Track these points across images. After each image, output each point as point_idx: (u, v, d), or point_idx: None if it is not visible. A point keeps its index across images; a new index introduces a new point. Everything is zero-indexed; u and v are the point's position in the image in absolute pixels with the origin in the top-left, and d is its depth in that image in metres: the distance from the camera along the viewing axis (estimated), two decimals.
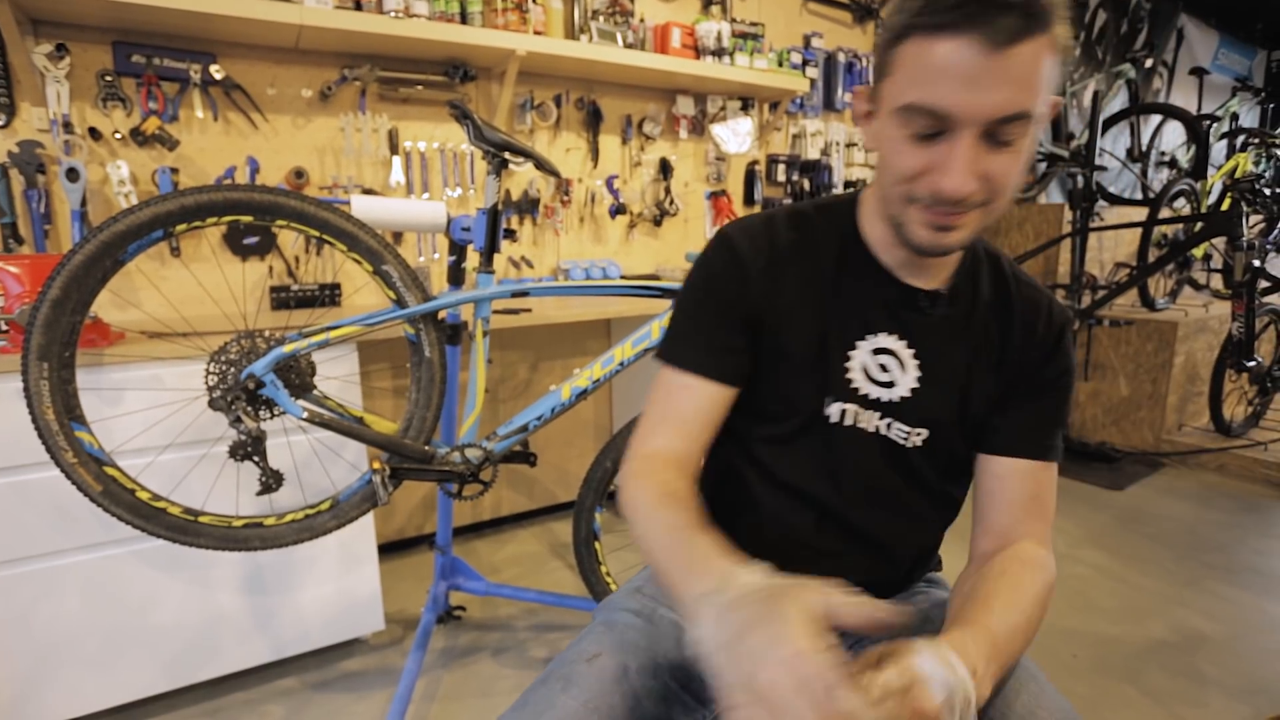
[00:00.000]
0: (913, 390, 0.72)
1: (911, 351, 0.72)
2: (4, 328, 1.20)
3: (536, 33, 2.05)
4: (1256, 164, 3.80)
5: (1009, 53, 0.53)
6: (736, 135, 2.55)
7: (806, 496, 0.75)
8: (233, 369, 1.14)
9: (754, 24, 2.57)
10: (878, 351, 0.72)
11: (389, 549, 2.17)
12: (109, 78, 1.61)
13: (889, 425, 0.73)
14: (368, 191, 1.97)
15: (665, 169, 2.48)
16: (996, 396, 0.74)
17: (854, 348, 0.72)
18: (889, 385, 0.72)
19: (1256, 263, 2.58)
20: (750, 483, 0.77)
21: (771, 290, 0.72)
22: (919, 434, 0.73)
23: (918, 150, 0.59)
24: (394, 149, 1.98)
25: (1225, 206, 2.93)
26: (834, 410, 0.73)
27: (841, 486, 0.75)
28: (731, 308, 0.72)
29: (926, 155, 0.58)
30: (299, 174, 1.85)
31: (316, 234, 1.18)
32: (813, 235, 0.74)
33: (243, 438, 1.14)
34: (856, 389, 0.72)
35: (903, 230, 0.64)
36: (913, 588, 0.83)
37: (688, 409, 0.71)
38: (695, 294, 0.74)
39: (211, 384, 1.14)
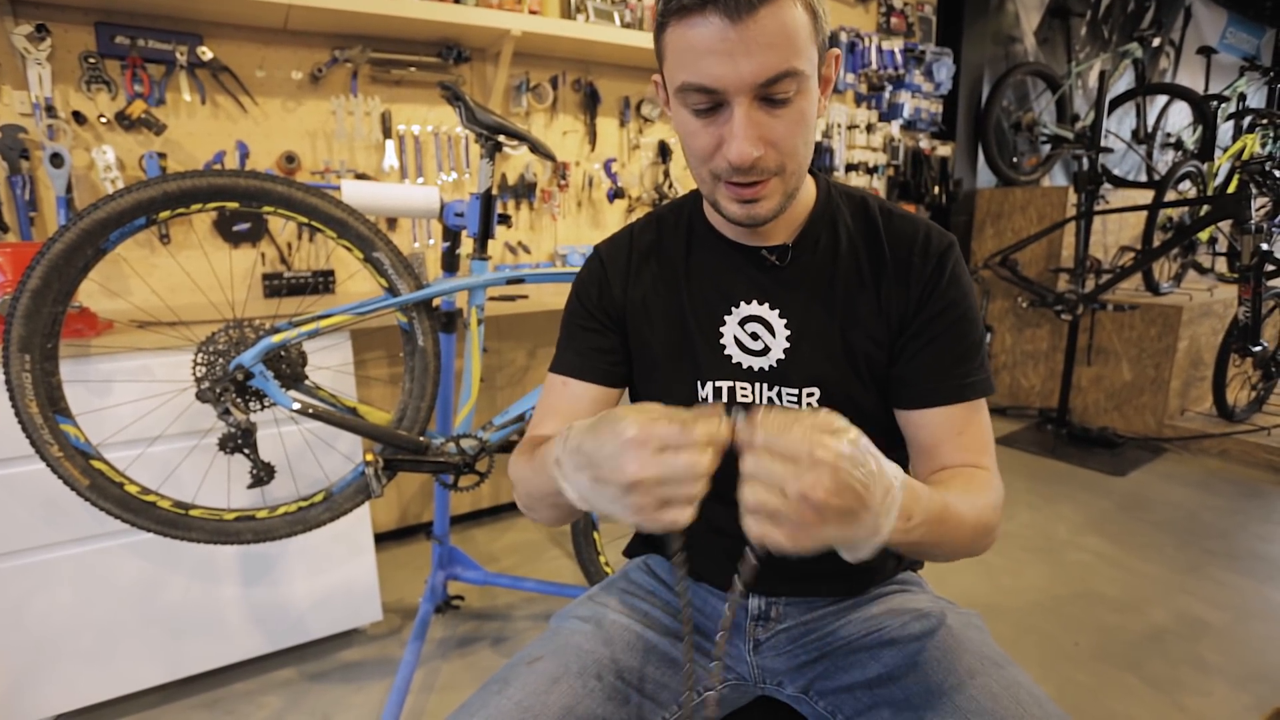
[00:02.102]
0: (785, 351, 0.72)
1: (776, 312, 0.73)
2: None
3: (532, 12, 2.00)
4: (1264, 145, 3.74)
5: (752, 20, 0.55)
6: None
7: (715, 490, 0.76)
8: (221, 359, 1.12)
9: None
10: (746, 320, 0.73)
11: (386, 538, 2.16)
12: (92, 60, 1.57)
13: (778, 392, 0.73)
14: (361, 176, 1.93)
15: (664, 152, 2.44)
16: (890, 341, 0.72)
17: (723, 323, 0.74)
18: (763, 352, 0.73)
19: (1264, 246, 2.55)
20: None
21: (633, 291, 0.78)
22: (810, 393, 0.72)
23: (706, 128, 0.62)
24: (387, 132, 1.94)
25: (1232, 189, 2.89)
26: (709, 390, 0.74)
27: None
28: (596, 313, 0.79)
29: (715, 131, 0.62)
30: (290, 159, 1.81)
31: (305, 220, 1.15)
32: (664, 231, 0.80)
33: (232, 430, 1.12)
34: (739, 364, 0.73)
35: (719, 208, 0.68)
36: (882, 587, 0.79)
37: (564, 404, 0.78)
38: (569, 307, 0.82)
39: (199, 375, 1.11)
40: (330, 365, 1.41)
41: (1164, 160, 4.20)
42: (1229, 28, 4.89)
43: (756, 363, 0.73)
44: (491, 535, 2.22)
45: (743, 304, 0.73)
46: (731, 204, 0.65)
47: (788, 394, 0.72)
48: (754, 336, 0.73)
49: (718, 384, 0.74)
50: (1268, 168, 2.61)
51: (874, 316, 0.71)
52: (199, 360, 1.12)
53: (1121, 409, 3.09)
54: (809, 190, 0.75)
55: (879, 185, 3.08)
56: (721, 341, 0.74)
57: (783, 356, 0.72)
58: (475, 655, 1.60)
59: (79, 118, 1.58)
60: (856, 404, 0.72)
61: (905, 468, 0.77)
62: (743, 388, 0.73)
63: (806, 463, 0.46)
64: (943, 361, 0.70)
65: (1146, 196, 3.12)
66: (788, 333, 0.72)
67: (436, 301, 1.35)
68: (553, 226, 2.29)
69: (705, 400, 0.74)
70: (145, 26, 1.62)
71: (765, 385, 0.73)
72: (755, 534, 0.48)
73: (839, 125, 2.87)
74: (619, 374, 0.79)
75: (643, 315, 0.78)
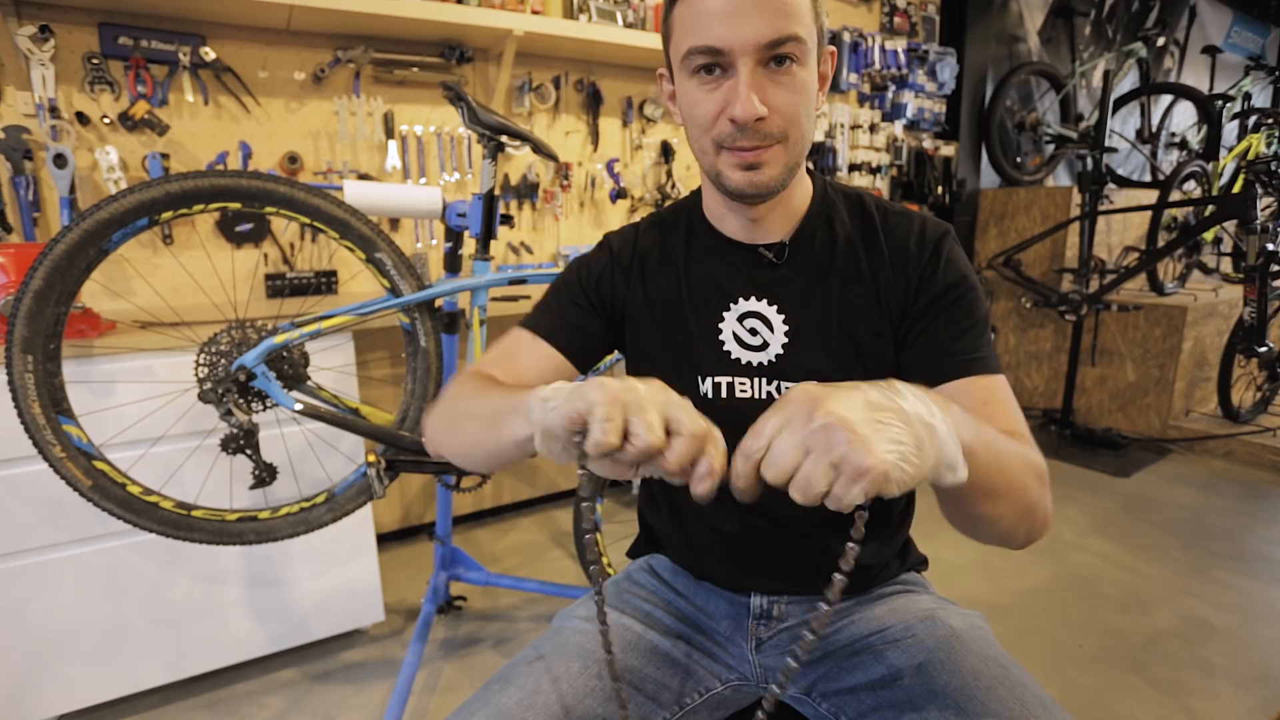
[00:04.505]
0: (784, 346, 0.73)
1: (774, 308, 0.73)
2: None
3: (534, 12, 2.00)
4: (1269, 145, 3.72)
5: None
6: None
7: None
8: (223, 360, 1.11)
9: None
10: (744, 316, 0.74)
11: (389, 538, 2.16)
12: (95, 61, 1.57)
13: (777, 386, 0.73)
14: (363, 177, 1.94)
15: (667, 152, 2.44)
16: (892, 332, 0.72)
17: (722, 319, 0.74)
18: (762, 347, 0.73)
19: (1270, 246, 2.53)
20: (674, 491, 0.80)
21: (634, 288, 0.79)
22: None
23: (710, 94, 0.64)
24: (390, 133, 1.94)
25: (1237, 189, 2.88)
26: (708, 386, 0.74)
27: None
28: (590, 294, 0.79)
29: (719, 95, 0.63)
30: (292, 159, 1.81)
31: (307, 221, 1.15)
32: (664, 231, 0.80)
33: (234, 431, 1.12)
34: (738, 359, 0.74)
35: (720, 181, 0.68)
36: (885, 588, 0.79)
37: (523, 359, 0.76)
38: (566, 279, 0.81)
39: (201, 376, 1.11)
40: (332, 366, 1.41)
41: (1168, 160, 4.19)
42: (1234, 27, 4.87)
43: (755, 358, 0.73)
44: (494, 536, 2.22)
45: (741, 300, 0.74)
46: (734, 172, 0.65)
47: (787, 388, 0.72)
48: (753, 332, 0.74)
49: (717, 380, 0.74)
50: (1273, 167, 2.60)
51: (873, 308, 0.72)
52: (201, 361, 1.12)
53: (1126, 410, 3.08)
54: (805, 187, 0.76)
55: (882, 185, 3.07)
56: (720, 338, 0.74)
57: (781, 351, 0.73)
58: (477, 656, 1.60)
59: (82, 118, 1.58)
60: None
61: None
62: (741, 383, 0.74)
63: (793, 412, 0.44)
64: (945, 338, 0.69)
65: (1151, 197, 3.11)
66: (786, 328, 0.73)
67: (439, 302, 1.35)
68: (555, 227, 2.29)
69: (705, 395, 0.74)
70: (148, 27, 1.62)
71: (764, 380, 0.73)
72: (849, 499, 0.42)
73: (842, 125, 2.87)
74: (584, 355, 0.78)
75: (644, 312, 0.78)
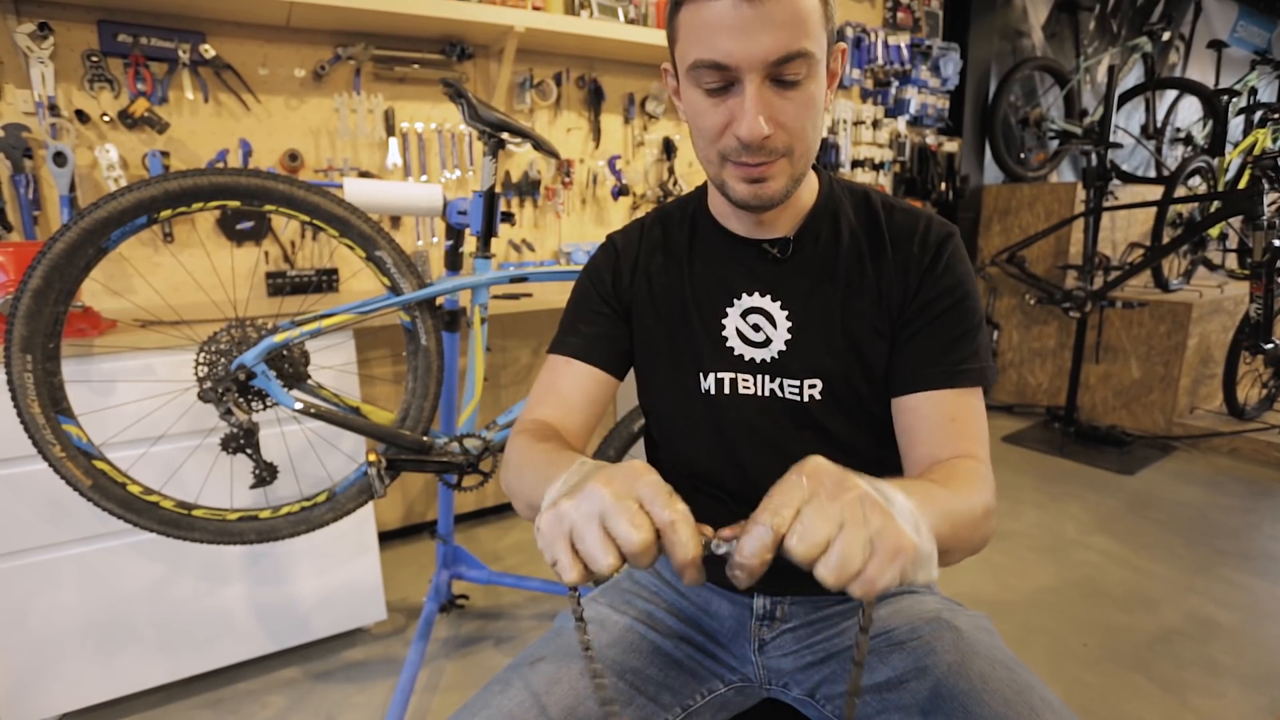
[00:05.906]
0: (787, 342, 0.72)
1: (778, 304, 0.73)
2: None
3: (535, 8, 1.99)
4: (1275, 140, 3.70)
5: (768, 1, 0.57)
6: None
7: (718, 484, 0.77)
8: (223, 359, 1.11)
9: None
10: (747, 312, 0.74)
11: (390, 537, 2.15)
12: (95, 58, 1.56)
13: (779, 384, 0.73)
14: (364, 174, 1.93)
15: (669, 149, 2.43)
16: (891, 332, 0.71)
17: (725, 315, 0.74)
18: (765, 344, 0.73)
19: (1276, 242, 2.51)
20: (675, 488, 0.79)
21: (639, 283, 0.79)
22: (812, 385, 0.72)
23: (716, 108, 0.62)
24: (390, 130, 1.93)
25: (1243, 184, 2.85)
26: (710, 382, 0.74)
27: (744, 462, 0.74)
28: (609, 299, 0.79)
29: (724, 110, 0.62)
30: (293, 157, 1.80)
31: (306, 219, 1.14)
32: (670, 226, 0.80)
33: (234, 430, 1.11)
34: (740, 355, 0.74)
35: (725, 190, 0.67)
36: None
37: (566, 387, 0.77)
38: (580, 290, 0.82)
39: (201, 375, 1.11)
40: (333, 364, 1.41)
41: (1174, 156, 4.16)
42: (1240, 21, 4.84)
43: (758, 354, 0.73)
44: (496, 534, 2.22)
45: (744, 296, 0.74)
46: (738, 184, 0.65)
47: (789, 385, 0.72)
48: (755, 328, 0.73)
49: (719, 376, 0.74)
50: (1279, 163, 2.58)
51: (875, 307, 0.71)
52: (201, 360, 1.11)
53: (1130, 407, 3.06)
54: (811, 184, 0.75)
55: (885, 182, 3.06)
56: (723, 333, 0.74)
57: (784, 348, 0.72)
58: (479, 655, 1.60)
59: (82, 116, 1.58)
60: (858, 394, 0.72)
61: (897, 472, 0.76)
62: (744, 379, 0.74)
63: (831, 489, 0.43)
64: (934, 346, 0.69)
65: (1156, 192, 3.09)
66: (789, 324, 0.72)
67: (440, 300, 1.34)
68: (557, 224, 2.28)
69: (707, 392, 0.75)
70: (148, 24, 1.61)
71: (766, 377, 0.73)
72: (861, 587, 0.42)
73: (845, 121, 2.85)
74: (621, 363, 0.79)
75: (648, 307, 0.78)
